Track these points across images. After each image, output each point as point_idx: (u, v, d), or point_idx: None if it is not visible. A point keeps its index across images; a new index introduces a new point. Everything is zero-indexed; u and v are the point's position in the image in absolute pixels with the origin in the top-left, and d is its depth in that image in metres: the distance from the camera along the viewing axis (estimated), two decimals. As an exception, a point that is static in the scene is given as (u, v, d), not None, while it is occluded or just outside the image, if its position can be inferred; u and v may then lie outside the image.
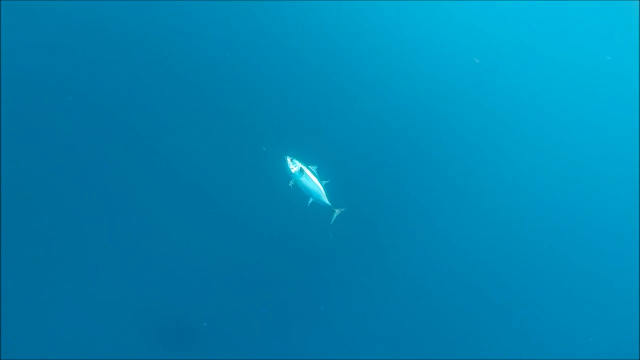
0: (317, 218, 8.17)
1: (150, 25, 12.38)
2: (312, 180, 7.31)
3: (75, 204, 10.03)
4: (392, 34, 15.86)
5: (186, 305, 10.32)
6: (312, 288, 11.28)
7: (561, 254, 13.97)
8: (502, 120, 15.46)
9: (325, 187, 7.41)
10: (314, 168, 7.36)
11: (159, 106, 11.51)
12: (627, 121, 16.66)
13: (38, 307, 9.12)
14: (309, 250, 11.05)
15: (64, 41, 11.32)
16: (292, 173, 7.21)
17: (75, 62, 11.33)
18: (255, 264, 10.81)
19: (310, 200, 7.50)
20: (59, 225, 9.73)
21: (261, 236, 10.78)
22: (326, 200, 7.50)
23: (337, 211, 7.72)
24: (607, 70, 17.56)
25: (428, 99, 14.89)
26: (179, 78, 12.07)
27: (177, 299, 10.25)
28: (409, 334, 11.76)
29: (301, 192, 7.41)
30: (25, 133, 10.05)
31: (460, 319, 12.24)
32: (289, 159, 7.19)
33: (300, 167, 7.13)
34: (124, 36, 11.85)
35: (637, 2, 15.85)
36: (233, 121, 11.83)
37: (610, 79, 17.45)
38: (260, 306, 10.77)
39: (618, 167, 15.84)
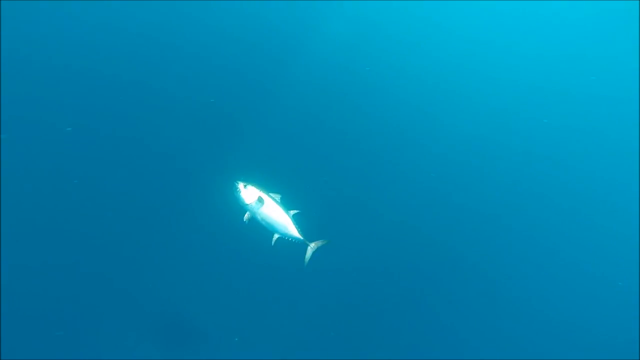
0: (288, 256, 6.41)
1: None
2: (275, 210, 5.70)
3: (75, 203, 10.05)
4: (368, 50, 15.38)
5: (187, 306, 10.34)
6: (308, 288, 11.23)
7: (561, 254, 13.99)
8: (502, 122, 15.48)
9: (294, 218, 5.82)
10: (277, 197, 5.79)
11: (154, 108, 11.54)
12: (627, 121, 16.67)
13: (38, 307, 9.14)
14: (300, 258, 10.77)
15: (63, 41, 11.35)
16: (246, 204, 5.59)
17: (74, 61, 11.36)
18: (253, 266, 10.82)
19: (276, 236, 5.87)
20: (59, 225, 9.75)
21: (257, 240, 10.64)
22: (296, 234, 5.86)
23: (312, 245, 5.99)
24: (607, 70, 17.58)
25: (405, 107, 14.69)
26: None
27: (178, 300, 10.27)
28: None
29: (262, 227, 5.79)
30: (24, 133, 10.07)
31: (461, 321, 12.25)
32: (241, 185, 5.56)
33: (259, 196, 5.54)
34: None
35: (637, 2, 15.87)
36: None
37: (610, 79, 17.47)
38: (260, 307, 10.78)
39: (618, 167, 15.86)
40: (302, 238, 5.95)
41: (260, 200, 5.59)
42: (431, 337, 11.75)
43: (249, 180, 5.68)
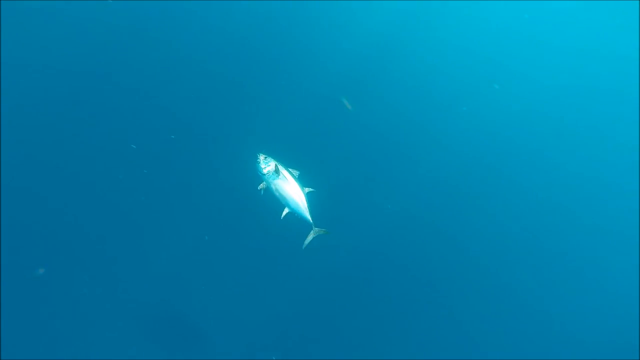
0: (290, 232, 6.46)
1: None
2: (290, 185, 5.79)
3: (75, 203, 10.03)
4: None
5: (187, 306, 10.33)
6: (308, 288, 11.22)
7: (561, 254, 13.99)
8: (503, 122, 15.49)
9: (307, 196, 5.87)
10: (295, 172, 5.88)
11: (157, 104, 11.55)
12: (627, 121, 16.68)
13: (38, 307, 9.12)
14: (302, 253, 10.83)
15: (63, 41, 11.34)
16: (263, 174, 5.75)
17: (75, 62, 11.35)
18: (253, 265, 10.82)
19: (286, 210, 5.93)
20: (59, 225, 9.73)
21: (258, 236, 10.69)
22: (306, 214, 5.89)
23: (315, 230, 5.97)
24: (607, 70, 17.57)
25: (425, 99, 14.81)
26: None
27: (178, 300, 10.26)
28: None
29: (275, 200, 5.88)
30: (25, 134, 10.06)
31: (463, 320, 12.26)
32: (262, 157, 5.75)
33: (276, 165, 5.69)
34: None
35: (637, 2, 15.85)
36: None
37: (610, 79, 17.46)
38: (262, 306, 10.77)
39: (618, 168, 15.87)
40: (310, 220, 5.92)
41: (277, 170, 5.70)
42: (433, 332, 11.79)
43: (271, 154, 5.81)
